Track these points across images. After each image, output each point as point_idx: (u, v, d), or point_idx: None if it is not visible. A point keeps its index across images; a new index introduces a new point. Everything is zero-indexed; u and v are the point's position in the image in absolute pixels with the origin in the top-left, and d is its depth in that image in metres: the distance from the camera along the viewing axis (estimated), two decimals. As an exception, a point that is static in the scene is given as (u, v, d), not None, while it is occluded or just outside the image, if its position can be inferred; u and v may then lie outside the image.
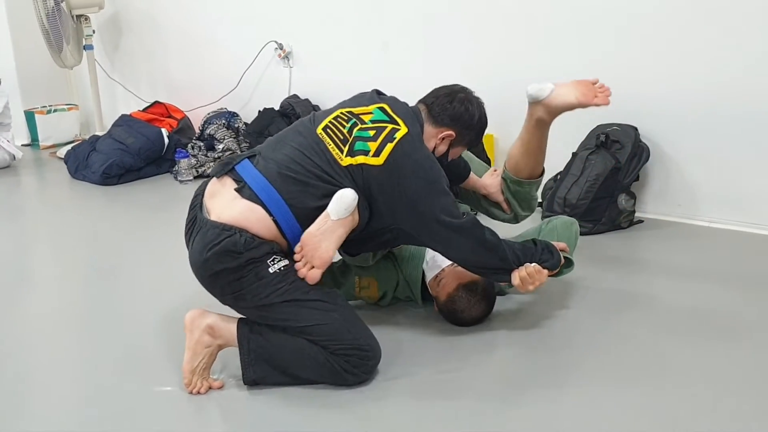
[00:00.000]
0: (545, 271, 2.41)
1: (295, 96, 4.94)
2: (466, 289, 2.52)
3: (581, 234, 3.39)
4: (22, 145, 5.66)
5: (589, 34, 3.70)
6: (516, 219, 2.87)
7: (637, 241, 3.43)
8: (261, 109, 4.95)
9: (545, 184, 3.72)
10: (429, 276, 2.63)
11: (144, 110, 5.50)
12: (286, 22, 5.02)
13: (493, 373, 2.31)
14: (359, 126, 2.31)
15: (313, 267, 2.20)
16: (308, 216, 2.22)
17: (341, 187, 2.23)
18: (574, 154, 3.62)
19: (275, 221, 2.19)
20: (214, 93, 5.40)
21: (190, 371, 2.23)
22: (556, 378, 2.24)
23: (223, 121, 4.99)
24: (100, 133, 5.43)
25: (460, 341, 2.48)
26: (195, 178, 4.83)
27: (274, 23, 5.08)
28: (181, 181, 4.80)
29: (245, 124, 5.04)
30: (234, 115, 5.08)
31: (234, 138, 4.94)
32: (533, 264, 2.39)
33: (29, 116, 6.14)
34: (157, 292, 3.03)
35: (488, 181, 2.84)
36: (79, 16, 5.66)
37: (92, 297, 3.12)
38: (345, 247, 2.42)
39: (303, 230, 2.22)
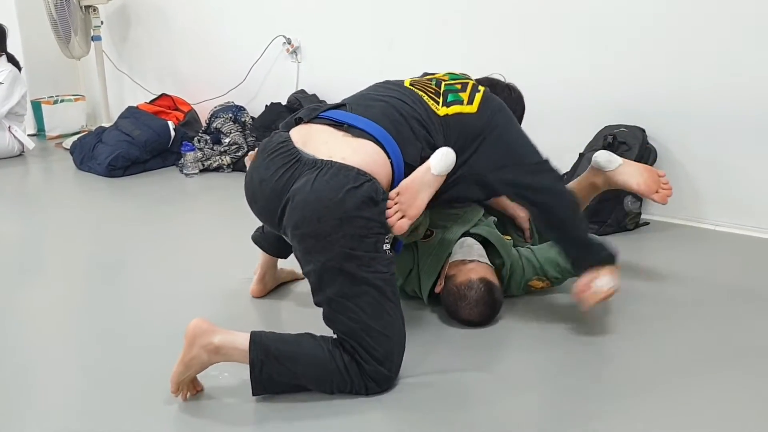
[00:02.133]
0: (614, 289, 2.40)
1: (302, 91, 4.93)
2: (487, 285, 2.48)
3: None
4: (28, 135, 5.67)
5: (598, 36, 3.69)
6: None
7: (643, 243, 3.42)
8: (268, 104, 4.95)
9: (551, 185, 3.72)
10: (457, 256, 2.57)
11: (151, 102, 5.50)
12: (295, 17, 5.01)
13: (497, 376, 2.28)
14: (444, 82, 2.39)
15: (403, 217, 2.11)
16: (407, 164, 2.19)
17: (436, 138, 2.25)
18: (581, 155, 3.61)
19: (392, 168, 2.16)
20: (221, 86, 5.41)
21: (177, 382, 2.09)
22: (557, 382, 2.23)
23: (230, 115, 4.99)
24: (106, 125, 5.44)
25: (465, 343, 2.47)
26: (201, 171, 4.83)
27: (282, 18, 5.07)
28: (186, 174, 4.79)
29: (252, 118, 5.04)
30: (241, 109, 5.08)
31: (240, 132, 4.94)
32: (605, 279, 2.38)
33: (36, 106, 6.15)
34: (161, 286, 3.03)
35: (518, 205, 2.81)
36: (87, 7, 5.68)
37: (96, 289, 3.12)
38: None
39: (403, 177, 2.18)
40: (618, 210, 3.48)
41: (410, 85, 2.38)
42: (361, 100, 2.31)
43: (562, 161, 3.64)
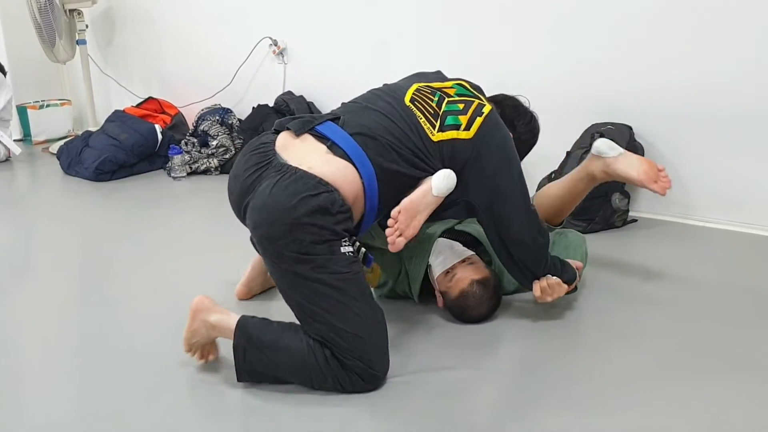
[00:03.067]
0: (565, 286, 2.46)
1: (289, 93, 4.93)
2: (480, 284, 2.50)
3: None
4: (14, 141, 5.64)
5: (584, 33, 3.70)
6: None
7: (631, 240, 3.43)
8: (255, 106, 4.95)
9: (539, 182, 3.72)
10: (438, 271, 2.59)
11: (137, 106, 5.48)
12: (281, 19, 5.00)
13: (488, 373, 2.29)
14: (446, 99, 2.31)
15: (400, 236, 2.17)
16: (387, 187, 2.19)
17: (430, 164, 2.24)
18: (569, 153, 3.61)
19: (363, 186, 2.15)
20: (208, 89, 5.39)
21: (188, 344, 2.26)
22: (550, 378, 2.23)
23: (217, 118, 4.98)
24: (93, 129, 5.43)
25: (456, 341, 2.47)
26: (188, 174, 4.82)
27: (268, 19, 5.07)
28: (174, 178, 4.78)
29: (239, 120, 5.03)
30: (228, 111, 5.07)
31: (228, 134, 4.93)
32: (554, 277, 2.44)
33: (21, 111, 6.12)
34: (149, 288, 3.02)
35: None
36: (72, 11, 5.65)
37: (83, 293, 3.11)
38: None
39: (380, 197, 2.19)
40: (606, 207, 3.48)
41: (410, 101, 2.29)
42: (357, 116, 2.26)
43: (550, 159, 3.67)
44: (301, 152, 2.16)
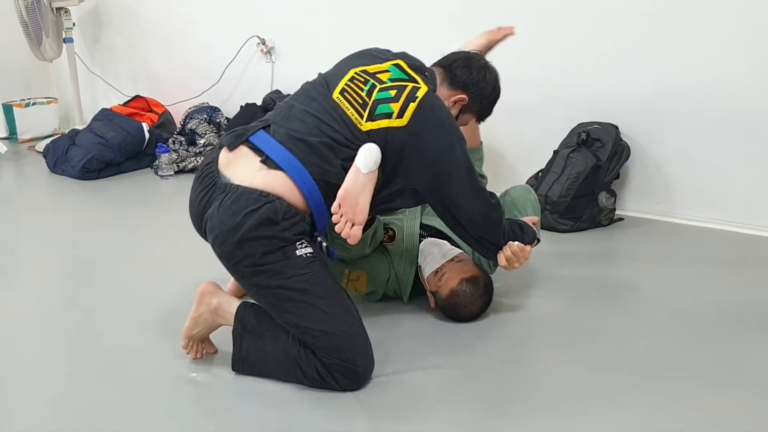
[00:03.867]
0: (528, 248, 2.44)
1: (277, 91, 4.92)
2: (469, 283, 2.52)
3: (561, 231, 3.44)
4: (0, 139, 5.61)
5: (570, 33, 3.72)
6: None
7: (618, 239, 3.46)
8: (243, 104, 4.94)
9: (526, 181, 3.74)
10: (427, 271, 2.61)
11: (124, 104, 5.46)
12: (269, 18, 5.00)
13: (477, 371, 2.30)
14: (378, 87, 2.25)
15: (353, 225, 2.15)
16: (329, 184, 2.17)
17: None
18: (556, 152, 3.64)
19: (301, 192, 2.15)
20: (195, 87, 5.39)
21: (188, 337, 2.31)
22: (536, 378, 2.25)
23: (205, 116, 4.97)
24: (79, 127, 5.40)
25: (446, 339, 2.49)
26: (176, 173, 4.81)
27: (256, 18, 5.06)
28: (161, 176, 4.77)
29: (227, 119, 5.03)
30: (216, 110, 5.06)
31: (215, 133, 4.92)
32: (516, 242, 2.41)
33: (7, 109, 6.08)
34: (135, 288, 3.02)
35: None
36: (58, 9, 5.62)
37: (70, 292, 3.10)
38: None
39: (324, 200, 2.18)
40: (592, 206, 3.51)
41: (340, 93, 2.25)
42: (285, 120, 2.24)
43: (536, 158, 3.69)
44: (239, 168, 2.18)
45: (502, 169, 4.10)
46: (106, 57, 6.22)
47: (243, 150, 2.21)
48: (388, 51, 2.44)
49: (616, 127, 3.61)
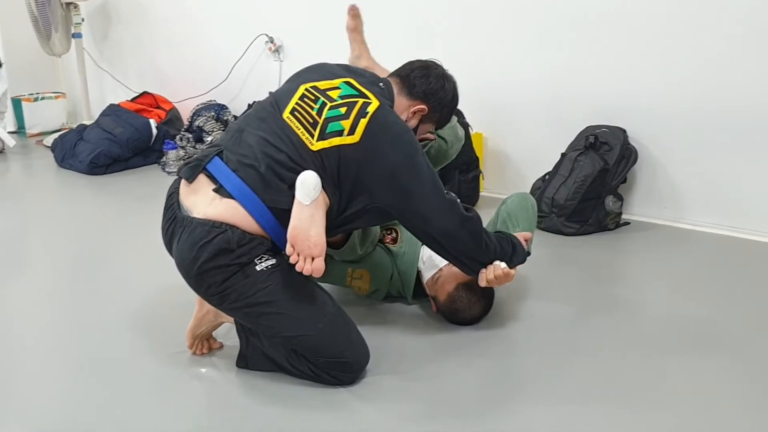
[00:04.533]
0: (512, 272, 2.35)
1: (285, 90, 4.93)
2: (466, 288, 2.50)
3: (568, 234, 3.44)
4: (8, 133, 5.62)
5: (580, 36, 3.72)
6: None
7: (623, 243, 3.45)
8: (250, 102, 4.94)
9: (533, 184, 3.75)
10: (426, 276, 2.62)
11: (132, 100, 5.48)
12: (278, 16, 5.01)
13: (480, 374, 2.30)
14: (328, 105, 2.20)
15: (313, 258, 2.08)
16: (284, 211, 2.11)
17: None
18: (563, 155, 3.63)
19: (256, 220, 2.11)
20: (203, 85, 5.40)
21: (192, 336, 2.35)
22: (538, 381, 2.25)
23: (213, 114, 4.99)
24: (87, 122, 5.41)
25: (448, 340, 2.49)
26: (178, 169, 4.81)
27: (265, 17, 5.07)
28: (168, 173, 4.79)
29: (234, 116, 5.04)
30: (223, 107, 5.07)
31: (223, 130, 4.93)
32: (503, 265, 2.32)
33: (16, 103, 6.11)
34: (140, 283, 3.02)
35: None
36: (68, 4, 5.64)
37: (76, 286, 3.11)
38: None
39: (281, 225, 2.12)
40: (599, 209, 3.51)
41: (290, 113, 2.21)
42: (235, 145, 2.20)
43: (545, 161, 3.69)
44: (196, 198, 2.16)
45: (508, 172, 4.11)
46: (115, 53, 6.23)
47: (200, 178, 2.17)
48: (340, 67, 2.41)
49: (624, 131, 3.60)
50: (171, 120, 5.34)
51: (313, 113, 2.20)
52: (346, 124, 2.16)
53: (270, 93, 2.38)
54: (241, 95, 5.25)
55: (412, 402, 2.12)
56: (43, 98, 6.20)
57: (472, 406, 2.11)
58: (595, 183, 3.48)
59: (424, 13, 4.27)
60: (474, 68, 3.92)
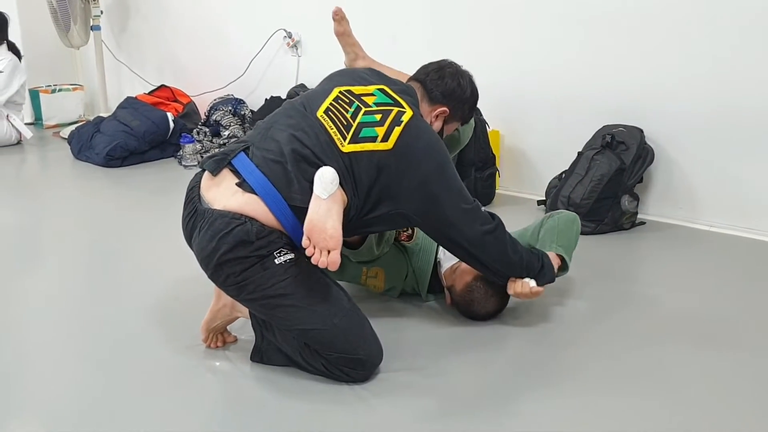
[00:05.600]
0: (541, 290, 2.42)
1: (302, 85, 4.94)
2: (484, 280, 2.50)
3: (583, 233, 3.43)
4: (26, 124, 5.66)
5: (598, 35, 3.71)
6: None
7: (639, 243, 3.45)
8: (268, 98, 4.96)
9: (550, 182, 3.75)
10: (445, 266, 2.62)
11: (150, 93, 5.50)
12: (296, 11, 5.02)
13: (494, 371, 2.31)
14: (363, 110, 2.23)
15: (329, 252, 2.09)
16: (301, 209, 2.12)
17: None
18: (580, 154, 3.63)
19: (275, 216, 2.13)
20: (221, 79, 5.42)
21: (207, 330, 2.37)
22: (553, 378, 2.25)
23: (230, 108, 5.00)
24: (104, 115, 5.44)
25: (463, 336, 2.49)
26: (199, 163, 4.83)
27: (283, 11, 5.08)
28: (185, 166, 4.81)
29: (251, 111, 5.05)
30: (240, 102, 5.09)
31: (240, 125, 4.95)
32: (532, 283, 2.39)
33: (34, 95, 6.15)
34: (155, 276, 3.04)
35: None
36: (87, -3, 5.68)
37: (91, 278, 3.14)
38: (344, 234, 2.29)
39: (300, 222, 2.12)
40: (615, 209, 3.50)
41: (324, 113, 2.23)
42: (262, 141, 2.23)
43: (561, 160, 3.69)
44: (217, 192, 2.19)
45: (524, 170, 4.11)
46: (133, 45, 6.26)
47: (224, 172, 2.21)
48: (371, 73, 2.43)
49: (641, 131, 3.60)
50: (188, 114, 5.36)
51: (348, 116, 2.22)
52: (381, 131, 2.19)
53: (300, 94, 2.40)
54: (258, 90, 5.26)
55: (426, 399, 2.12)
56: (60, 90, 6.24)
57: (487, 403, 2.11)
58: (611, 182, 3.47)
59: (442, 10, 4.26)
60: (491, 66, 3.91)
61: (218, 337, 2.40)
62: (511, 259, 2.37)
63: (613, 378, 2.23)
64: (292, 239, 2.17)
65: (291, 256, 2.13)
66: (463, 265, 2.54)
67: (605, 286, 2.91)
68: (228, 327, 2.43)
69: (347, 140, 2.18)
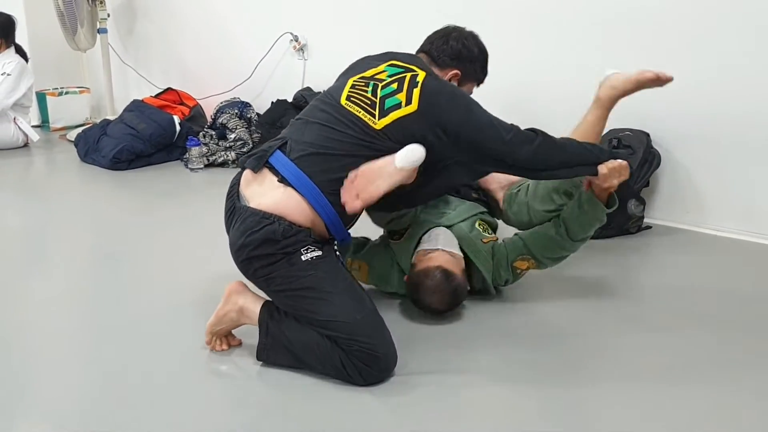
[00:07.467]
0: (625, 163, 2.44)
1: (308, 89, 4.94)
2: (444, 273, 2.49)
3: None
4: (32, 126, 5.68)
5: (603, 39, 3.71)
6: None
7: (645, 247, 3.44)
8: (274, 101, 4.96)
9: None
10: (422, 246, 2.62)
11: (156, 96, 5.51)
12: (303, 15, 5.03)
13: (496, 372, 2.31)
14: (380, 85, 2.33)
15: (357, 198, 2.22)
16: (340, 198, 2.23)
17: (381, 149, 2.25)
18: (586, 158, 3.62)
19: (313, 209, 2.23)
20: (227, 82, 5.42)
21: (211, 332, 2.38)
22: (556, 379, 2.25)
23: (236, 111, 5.01)
24: (111, 118, 5.45)
25: (473, 338, 2.50)
26: (206, 166, 4.84)
27: (290, 15, 5.09)
28: (191, 169, 4.81)
29: (258, 114, 5.05)
30: (247, 105, 5.09)
31: (246, 128, 4.95)
32: (618, 160, 2.43)
33: (40, 97, 6.16)
34: (162, 278, 3.06)
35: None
36: (94, 0, 5.68)
37: (97, 281, 3.14)
38: (402, 200, 2.47)
39: (338, 214, 2.25)
40: (621, 213, 3.48)
41: (347, 100, 2.34)
42: (300, 135, 2.33)
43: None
44: (254, 190, 2.31)
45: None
46: (139, 48, 6.27)
47: (264, 170, 2.32)
48: (378, 56, 2.51)
49: (648, 135, 3.59)
50: (194, 117, 5.36)
51: (368, 95, 2.32)
52: (401, 96, 2.29)
53: (322, 92, 2.49)
54: (264, 93, 5.26)
55: (431, 402, 2.12)
56: (67, 93, 6.25)
57: (498, 405, 2.11)
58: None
59: (448, 17, 4.26)
60: (499, 72, 3.89)
61: (223, 340, 2.40)
62: (571, 158, 2.42)
63: (617, 383, 2.23)
64: (327, 228, 2.28)
65: (318, 253, 2.22)
66: (437, 254, 2.55)
67: (611, 289, 2.91)
68: (234, 330, 2.43)
69: (377, 117, 2.27)
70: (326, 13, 4.91)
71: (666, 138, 3.62)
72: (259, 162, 2.31)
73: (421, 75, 2.34)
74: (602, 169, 2.42)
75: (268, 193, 2.25)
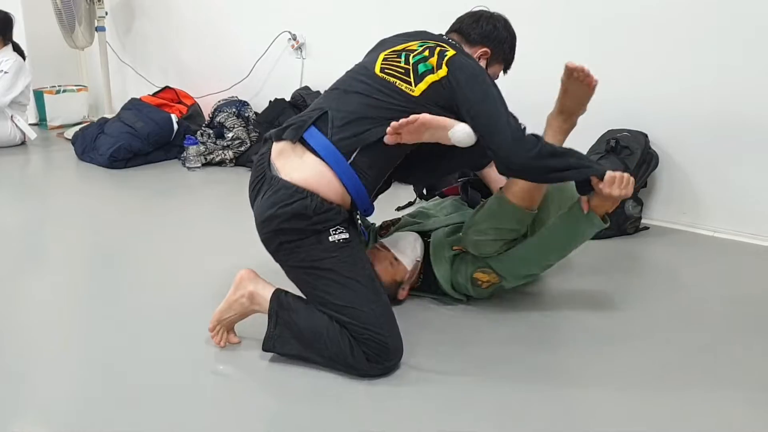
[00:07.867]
0: (627, 175, 2.42)
1: (306, 88, 4.94)
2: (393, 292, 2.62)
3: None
4: (29, 125, 5.67)
5: (601, 39, 3.71)
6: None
7: (642, 248, 3.45)
8: (272, 100, 4.95)
9: (553, 187, 3.74)
10: (381, 241, 2.70)
11: (154, 95, 5.50)
12: (301, 13, 5.03)
13: (497, 373, 2.31)
14: (412, 54, 2.39)
15: (399, 135, 2.26)
16: (370, 170, 2.29)
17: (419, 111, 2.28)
18: (584, 158, 3.62)
19: (341, 182, 2.25)
20: (225, 81, 5.42)
21: (218, 320, 2.37)
22: (555, 379, 2.26)
23: (234, 110, 5.00)
24: (108, 116, 5.45)
25: (477, 338, 2.49)
26: (203, 165, 4.84)
27: (288, 14, 5.09)
28: (189, 168, 4.81)
29: (255, 113, 5.05)
30: (245, 104, 5.09)
31: (244, 127, 4.95)
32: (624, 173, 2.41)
33: (38, 95, 6.16)
34: (160, 277, 3.05)
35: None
36: (92, -3, 5.68)
37: (95, 279, 3.13)
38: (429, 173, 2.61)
39: (367, 191, 2.31)
40: (618, 214, 3.49)
41: (381, 71, 2.38)
42: (341, 104, 2.34)
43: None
44: (286, 160, 2.31)
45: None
46: (137, 47, 6.27)
47: (296, 143, 2.32)
48: (410, 34, 2.55)
49: (646, 135, 3.59)
50: (192, 115, 5.37)
51: (401, 64, 2.38)
52: (433, 61, 2.35)
53: (355, 65, 2.53)
54: (262, 92, 5.26)
55: (434, 402, 2.12)
56: (65, 91, 6.25)
57: (495, 406, 2.11)
58: (615, 187, 3.46)
59: (446, 11, 4.26)
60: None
61: (223, 335, 2.39)
62: (572, 155, 2.46)
63: (613, 382, 2.22)
64: (351, 216, 2.32)
65: (346, 236, 2.25)
66: (381, 254, 2.62)
67: (606, 290, 2.91)
68: (235, 326, 2.42)
69: (413, 83, 2.33)
70: (324, 11, 4.91)
71: (664, 139, 3.62)
72: (297, 133, 2.31)
73: (450, 52, 2.39)
74: (608, 174, 2.39)
75: (301, 167, 2.26)
